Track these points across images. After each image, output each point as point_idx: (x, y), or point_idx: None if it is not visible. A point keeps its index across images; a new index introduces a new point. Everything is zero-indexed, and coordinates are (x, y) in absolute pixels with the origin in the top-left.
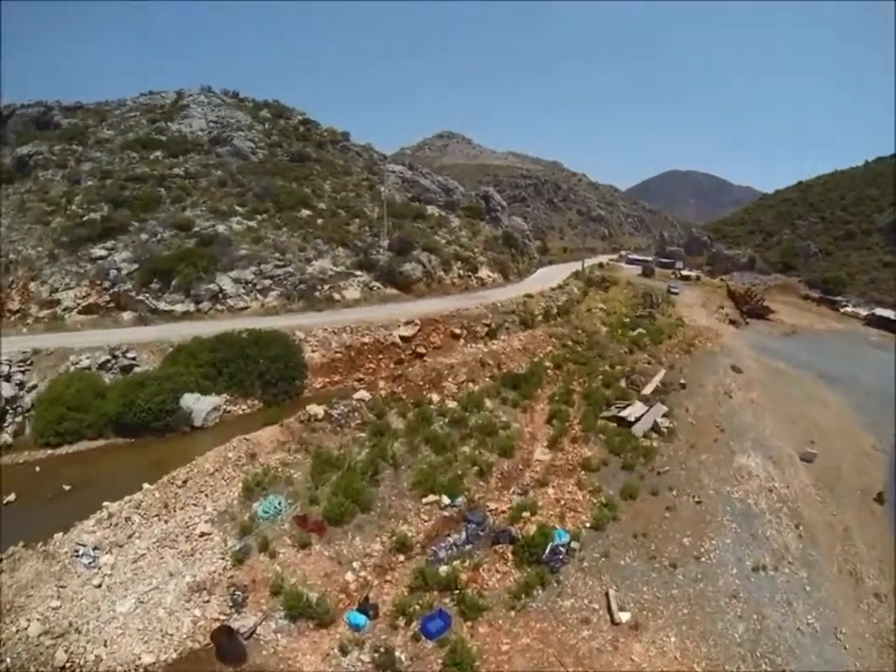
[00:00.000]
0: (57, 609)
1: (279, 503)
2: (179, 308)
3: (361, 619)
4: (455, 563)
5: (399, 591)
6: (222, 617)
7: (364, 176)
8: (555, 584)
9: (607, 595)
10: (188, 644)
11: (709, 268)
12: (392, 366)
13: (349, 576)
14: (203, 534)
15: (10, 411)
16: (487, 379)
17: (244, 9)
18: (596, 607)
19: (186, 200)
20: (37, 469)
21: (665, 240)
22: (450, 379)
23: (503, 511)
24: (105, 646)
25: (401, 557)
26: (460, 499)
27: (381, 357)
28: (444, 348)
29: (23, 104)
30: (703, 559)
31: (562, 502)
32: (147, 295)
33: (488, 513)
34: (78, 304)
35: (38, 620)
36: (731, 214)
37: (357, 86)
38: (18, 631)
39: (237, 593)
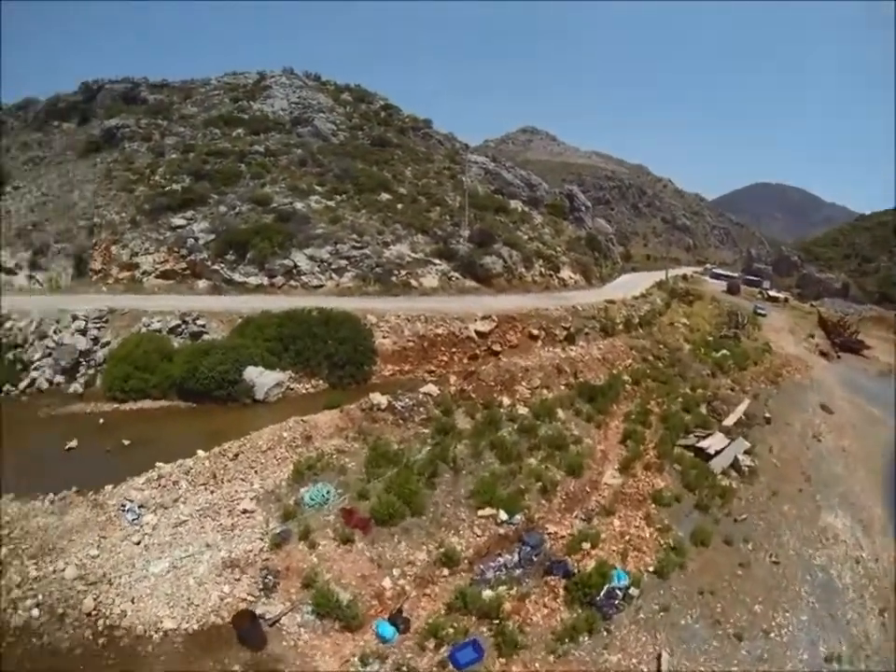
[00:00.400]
0: (94, 558)
1: (328, 492)
2: (253, 281)
3: (390, 631)
4: (501, 588)
5: (435, 608)
6: (250, 598)
7: (446, 165)
8: (605, 633)
9: (659, 657)
10: (211, 618)
11: (798, 291)
12: (465, 361)
13: (387, 582)
14: (245, 511)
15: (83, 363)
16: (562, 387)
17: None
18: (645, 670)
19: (265, 176)
20: (101, 420)
21: (753, 257)
22: (523, 383)
23: (562, 537)
24: (133, 602)
25: (445, 571)
26: (518, 517)
27: (454, 350)
28: (521, 348)
29: (111, 79)
30: (773, 634)
31: (626, 537)
32: (222, 265)
33: (546, 537)
34: (156, 269)
35: (76, 565)
36: (822, 233)
37: (443, 77)
38: (55, 571)
39: (269, 577)
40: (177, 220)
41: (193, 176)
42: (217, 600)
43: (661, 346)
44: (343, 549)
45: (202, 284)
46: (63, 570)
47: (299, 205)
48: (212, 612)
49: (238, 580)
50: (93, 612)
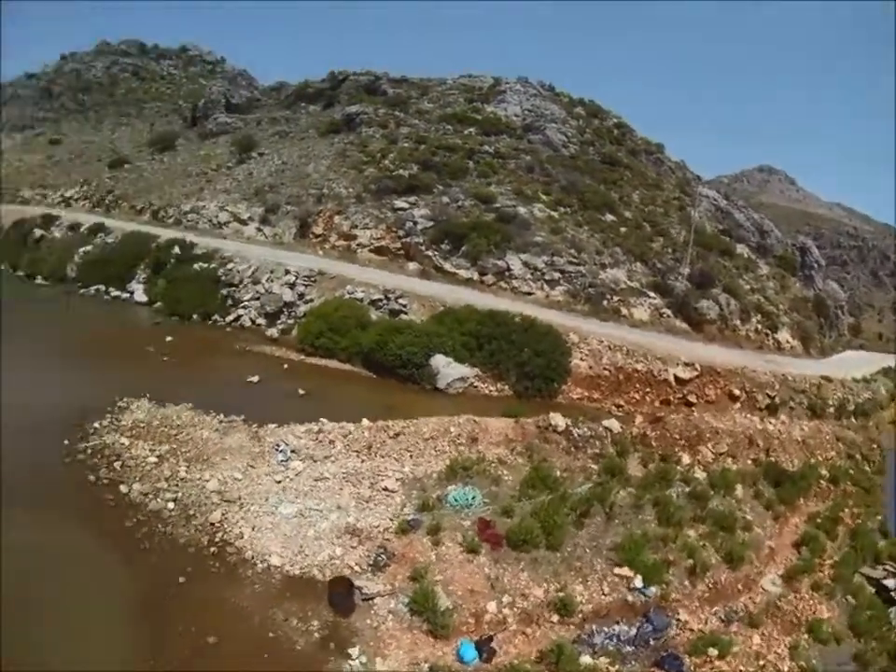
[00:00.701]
0: (236, 481)
1: (473, 497)
2: (463, 273)
3: (472, 654)
4: (603, 660)
5: (527, 651)
6: (356, 569)
7: (675, 195)
8: None
9: None
10: (313, 571)
11: None
12: (656, 404)
13: (492, 605)
14: (386, 489)
15: (285, 312)
16: (749, 461)
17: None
18: None
19: (491, 176)
20: (285, 366)
21: None
22: (709, 444)
23: (691, 630)
24: (252, 530)
25: (555, 617)
26: (654, 590)
27: (648, 390)
28: (717, 406)
29: (356, 71)
30: None
31: (761, 662)
32: (435, 253)
33: (674, 623)
34: (372, 244)
35: (219, 480)
36: None
37: (680, 103)
38: (200, 479)
39: (382, 556)
40: (400, 203)
41: (421, 166)
42: (326, 558)
43: (874, 446)
44: (465, 557)
45: (412, 266)
46: (208, 481)
47: (521, 210)
48: (316, 567)
49: (353, 548)
50: (217, 524)
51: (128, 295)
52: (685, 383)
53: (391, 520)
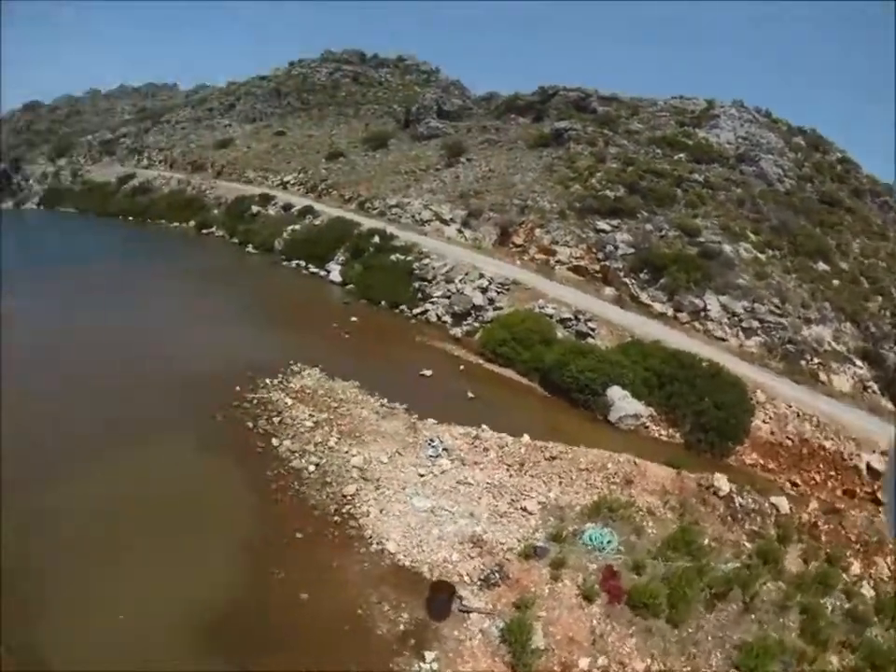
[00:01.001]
0: (381, 463)
1: (609, 541)
2: (657, 307)
3: None
4: None
5: None
6: (465, 579)
7: None
8: None
9: None
10: (423, 568)
11: None
12: (838, 493)
13: (584, 662)
14: (525, 509)
15: (472, 315)
16: None
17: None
18: None
19: (699, 207)
20: (462, 367)
21: None
22: (890, 559)
23: None
24: (380, 512)
25: None
26: None
27: (832, 474)
28: None
29: (566, 87)
30: None
31: None
32: (633, 281)
33: None
34: (570, 262)
35: (364, 458)
36: None
37: None
38: (346, 452)
39: (496, 574)
40: (602, 224)
41: (628, 189)
42: (440, 559)
43: None
44: (578, 602)
45: (607, 291)
46: (354, 456)
47: (727, 247)
48: (427, 564)
49: (471, 557)
50: (348, 497)
51: (325, 273)
52: (879, 475)
53: (518, 541)
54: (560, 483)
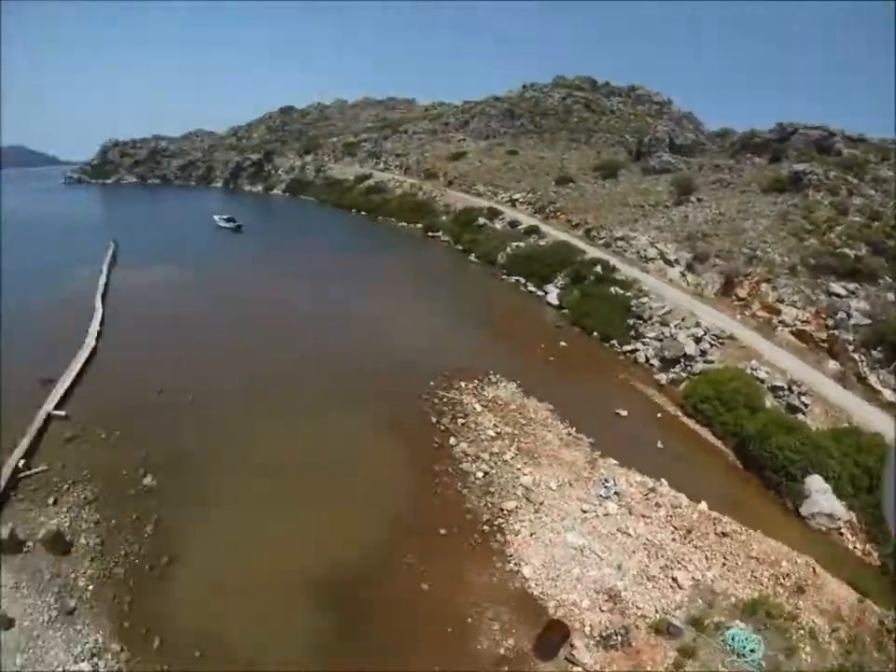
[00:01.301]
0: (548, 489)
1: (753, 650)
2: (888, 394)
3: None
4: None
5: None
6: (585, 630)
7: None
8: None
9: None
10: (549, 603)
11: None
12: None
13: None
14: (675, 580)
15: (681, 363)
16: None
17: None
18: None
19: None
20: (659, 415)
21: None
22: None
23: None
24: (530, 535)
25: None
26: None
27: None
28: None
29: (807, 125)
30: None
31: None
32: (862, 357)
33: None
34: (795, 325)
35: (533, 480)
36: None
37: None
38: (519, 469)
39: (618, 637)
40: (837, 287)
41: (871, 248)
42: (570, 601)
43: None
44: None
45: (831, 364)
46: (525, 475)
47: None
48: (554, 601)
49: (601, 611)
50: (505, 511)
51: (542, 293)
52: None
53: (656, 612)
54: (723, 564)
